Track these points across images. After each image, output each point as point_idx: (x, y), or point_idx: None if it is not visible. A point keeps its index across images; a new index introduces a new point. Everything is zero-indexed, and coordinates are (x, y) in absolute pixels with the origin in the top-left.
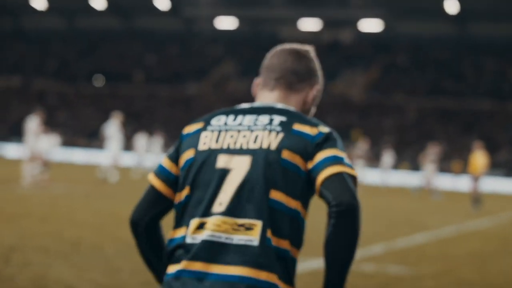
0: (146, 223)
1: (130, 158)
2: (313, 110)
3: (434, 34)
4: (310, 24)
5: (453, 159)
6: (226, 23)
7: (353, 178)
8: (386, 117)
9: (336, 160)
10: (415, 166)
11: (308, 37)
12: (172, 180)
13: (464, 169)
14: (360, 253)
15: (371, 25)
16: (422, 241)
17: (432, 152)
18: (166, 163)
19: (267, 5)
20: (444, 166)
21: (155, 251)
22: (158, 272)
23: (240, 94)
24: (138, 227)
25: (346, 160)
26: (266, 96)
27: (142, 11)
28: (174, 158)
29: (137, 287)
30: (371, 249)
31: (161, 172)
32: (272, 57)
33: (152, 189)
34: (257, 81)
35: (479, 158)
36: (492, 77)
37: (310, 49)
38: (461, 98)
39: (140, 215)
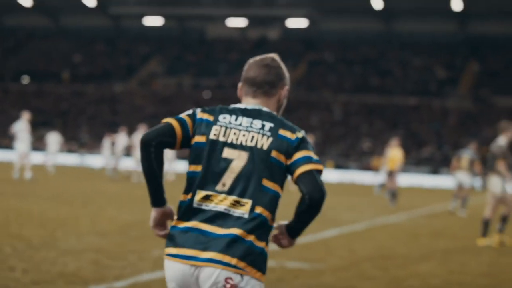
0: (155, 144)
1: (47, 156)
2: (284, 103)
3: (360, 31)
4: (237, 22)
5: (377, 155)
6: (153, 21)
7: (320, 172)
8: (313, 114)
9: (308, 160)
10: (341, 164)
11: (235, 35)
12: (185, 128)
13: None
14: None
15: (297, 22)
16: (330, 236)
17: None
18: (187, 119)
19: (194, 3)
20: (367, 163)
21: (157, 168)
22: (154, 192)
23: (168, 91)
24: (149, 146)
25: (315, 158)
26: (250, 102)
27: (69, 9)
28: (190, 119)
29: (28, 286)
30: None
31: (180, 120)
32: (249, 71)
33: (169, 125)
34: (240, 86)
35: (396, 154)
36: (417, 73)
37: (275, 57)
38: (387, 95)
39: (152, 137)
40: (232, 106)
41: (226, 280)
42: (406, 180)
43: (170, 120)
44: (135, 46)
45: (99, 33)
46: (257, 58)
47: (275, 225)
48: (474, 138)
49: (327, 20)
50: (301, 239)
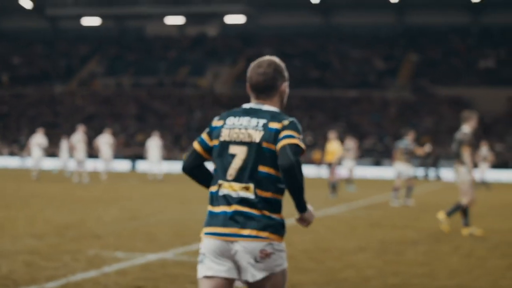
0: (190, 169)
1: None
2: (285, 99)
3: (298, 25)
4: (175, 20)
5: (318, 149)
6: (91, 21)
7: (295, 145)
8: None
9: (285, 137)
10: None
11: (174, 33)
12: (205, 144)
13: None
14: (182, 246)
15: (235, 18)
16: None
17: (349, 146)
18: (205, 137)
19: (132, 2)
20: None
21: (200, 179)
22: (204, 185)
23: (108, 91)
24: (187, 171)
25: (292, 135)
26: (254, 102)
27: (6, 11)
28: (209, 135)
29: None
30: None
31: (200, 142)
32: (250, 76)
33: (195, 151)
34: (247, 87)
35: (333, 147)
36: (357, 65)
37: (271, 59)
38: (327, 87)
39: (188, 166)
40: (242, 106)
41: (260, 251)
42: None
43: (195, 145)
44: (74, 47)
45: (37, 35)
46: (255, 63)
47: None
48: (415, 128)
49: (264, 15)
50: None
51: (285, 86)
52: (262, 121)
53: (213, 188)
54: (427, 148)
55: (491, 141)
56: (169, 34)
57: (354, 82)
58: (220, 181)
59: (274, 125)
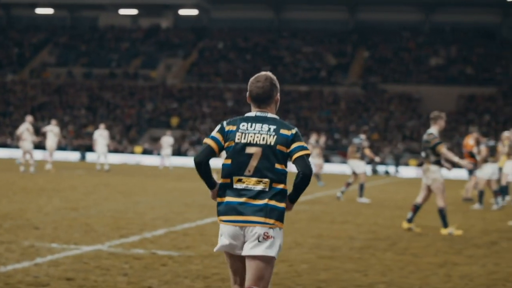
0: (204, 163)
1: None
2: (278, 105)
3: (251, 19)
4: (129, 11)
5: None
6: (44, 10)
7: (308, 155)
8: (205, 102)
9: (301, 148)
10: None
11: (127, 24)
12: (219, 143)
13: None
14: (119, 239)
15: (189, 11)
16: (208, 224)
17: (314, 140)
18: (217, 135)
19: None
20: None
21: (207, 174)
22: (208, 183)
23: (59, 81)
24: (200, 165)
25: (305, 146)
26: (257, 110)
27: None
28: (221, 135)
29: None
30: (152, 232)
31: (214, 138)
32: (251, 89)
33: (209, 146)
34: (248, 97)
35: None
36: (308, 61)
37: (267, 75)
38: (278, 82)
39: (201, 158)
40: (247, 115)
41: (264, 233)
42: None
43: (208, 142)
44: (26, 36)
45: None
46: (254, 78)
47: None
48: (365, 124)
49: (218, 8)
50: (177, 227)
51: (278, 96)
52: (273, 127)
53: (227, 181)
54: (377, 159)
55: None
56: (122, 25)
57: (305, 77)
58: (237, 176)
59: (284, 131)
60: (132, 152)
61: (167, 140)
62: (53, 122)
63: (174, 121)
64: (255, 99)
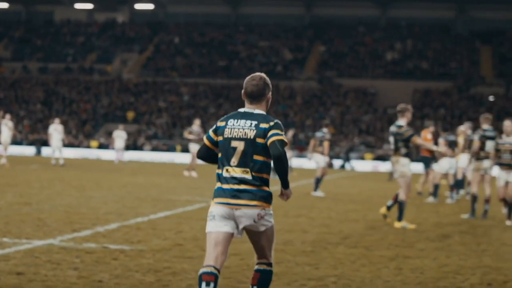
0: (204, 158)
1: None
2: (269, 103)
3: (207, 14)
4: (84, 5)
5: None
6: None
7: (281, 141)
8: (161, 97)
9: (273, 135)
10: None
11: (82, 18)
12: (214, 142)
13: None
14: (71, 233)
15: (145, 5)
16: (161, 218)
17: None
18: (212, 134)
19: None
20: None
21: (213, 162)
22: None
23: (15, 76)
24: (204, 160)
25: (279, 132)
26: (249, 106)
27: None
28: (215, 133)
29: None
30: (104, 227)
31: (208, 137)
32: (246, 87)
33: (204, 145)
34: (243, 94)
35: None
36: (264, 55)
37: (261, 75)
38: (234, 77)
39: (201, 155)
40: (238, 110)
41: (258, 214)
42: None
43: (205, 140)
44: None
45: None
46: (249, 77)
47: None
48: (321, 119)
49: (174, 3)
50: (130, 222)
51: (270, 95)
52: (254, 122)
53: (219, 171)
54: (326, 159)
55: None
56: (78, 20)
57: (261, 72)
58: (226, 167)
59: (263, 125)
60: (88, 147)
61: (119, 135)
62: (7, 116)
63: (130, 115)
64: (249, 96)
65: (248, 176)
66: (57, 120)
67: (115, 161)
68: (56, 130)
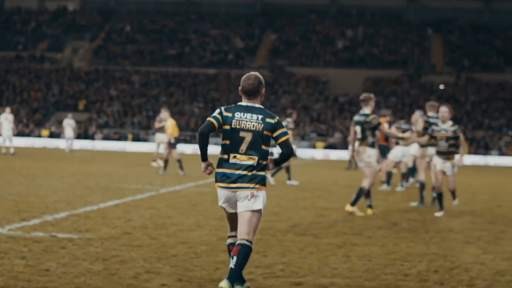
0: (206, 134)
1: None
2: (262, 98)
3: (158, 2)
4: None
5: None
6: None
7: (288, 138)
8: (112, 85)
9: (283, 134)
10: (141, 136)
11: (33, 6)
12: (219, 122)
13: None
14: (19, 222)
15: None
16: (110, 206)
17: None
18: (218, 116)
19: None
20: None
21: (205, 146)
22: (203, 155)
23: None
24: (203, 135)
25: (285, 131)
26: (247, 101)
27: None
28: (221, 117)
29: None
30: (53, 215)
31: (215, 118)
32: (243, 84)
33: (211, 123)
34: (240, 90)
35: (169, 124)
36: (215, 44)
37: (256, 74)
38: (185, 65)
39: (204, 130)
40: (239, 103)
41: (251, 193)
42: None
43: (211, 120)
44: None
45: None
46: (246, 76)
47: (269, 157)
48: (273, 107)
49: None
50: (79, 210)
51: (264, 91)
52: (260, 116)
53: (225, 156)
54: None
55: (346, 122)
56: (29, 8)
57: (213, 60)
58: (232, 154)
59: (270, 120)
60: (39, 136)
61: (68, 123)
62: (7, 110)
63: (81, 104)
64: (246, 93)
65: (254, 163)
66: (7, 109)
67: (65, 150)
68: (6, 119)
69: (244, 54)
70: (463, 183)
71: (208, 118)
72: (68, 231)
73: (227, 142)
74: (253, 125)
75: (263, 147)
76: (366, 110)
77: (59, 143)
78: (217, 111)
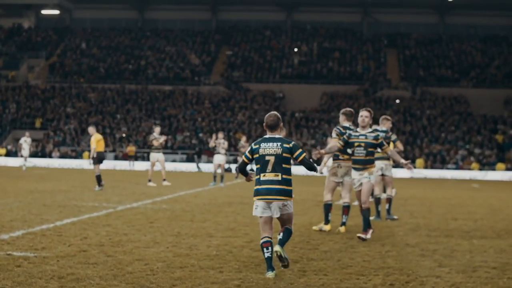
0: (242, 170)
1: None
2: (283, 129)
3: (113, 19)
4: None
5: (131, 143)
6: None
7: (305, 156)
8: (68, 102)
9: (301, 153)
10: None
11: None
12: (250, 159)
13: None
14: None
15: (51, 11)
16: (66, 224)
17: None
18: (248, 154)
19: None
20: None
21: (245, 173)
22: (245, 176)
23: None
24: (241, 171)
25: (302, 151)
26: (270, 134)
27: None
28: (250, 153)
29: None
30: (9, 234)
31: (245, 156)
32: (267, 121)
33: (244, 161)
34: (264, 126)
35: (93, 140)
36: (171, 60)
37: (276, 113)
38: (142, 81)
39: (241, 168)
40: (265, 136)
41: (282, 204)
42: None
43: (243, 158)
44: None
45: None
46: (268, 115)
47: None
48: (229, 123)
49: (80, 8)
50: (35, 228)
51: (282, 125)
52: (279, 143)
53: (258, 177)
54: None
55: (301, 137)
56: None
57: (169, 77)
58: (262, 173)
59: (286, 145)
60: None
61: (25, 141)
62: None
63: (38, 122)
64: (269, 127)
65: (279, 178)
66: None
67: (22, 168)
68: None
69: (200, 70)
70: (419, 196)
71: (243, 157)
72: (24, 249)
73: (259, 166)
74: (274, 150)
75: (284, 165)
76: (347, 124)
77: (15, 161)
78: (248, 148)
